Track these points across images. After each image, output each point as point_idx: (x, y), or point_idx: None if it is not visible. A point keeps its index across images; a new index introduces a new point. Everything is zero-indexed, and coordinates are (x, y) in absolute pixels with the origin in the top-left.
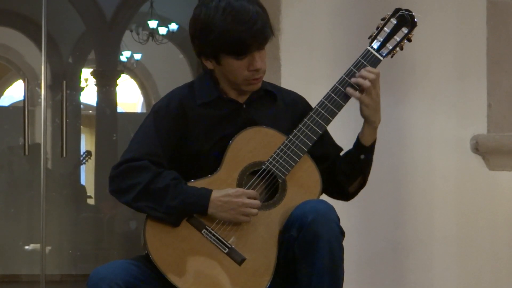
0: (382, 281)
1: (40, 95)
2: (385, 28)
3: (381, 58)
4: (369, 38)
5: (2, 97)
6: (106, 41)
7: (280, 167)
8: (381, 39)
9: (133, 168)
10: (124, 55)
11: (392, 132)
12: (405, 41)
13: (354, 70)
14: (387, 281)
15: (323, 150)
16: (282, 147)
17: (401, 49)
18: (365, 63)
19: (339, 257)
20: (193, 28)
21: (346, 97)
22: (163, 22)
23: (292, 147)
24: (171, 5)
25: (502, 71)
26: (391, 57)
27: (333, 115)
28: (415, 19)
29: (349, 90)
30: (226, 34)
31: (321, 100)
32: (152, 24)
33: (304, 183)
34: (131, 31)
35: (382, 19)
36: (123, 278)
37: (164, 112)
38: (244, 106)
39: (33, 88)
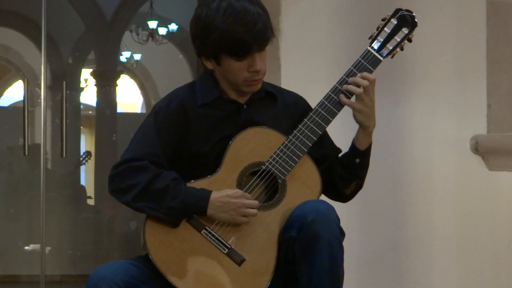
0: (382, 281)
1: (40, 95)
2: (385, 29)
3: (381, 58)
4: (369, 38)
5: (2, 97)
6: (106, 41)
7: (280, 168)
8: (382, 40)
9: (133, 168)
10: (124, 56)
11: (392, 132)
12: (406, 41)
13: (354, 70)
14: (387, 281)
15: (322, 151)
16: (282, 147)
17: (402, 49)
18: (365, 63)
19: (339, 257)
20: (194, 28)
21: (346, 98)
22: (163, 23)
23: (292, 147)
24: (171, 5)
25: (502, 71)
26: (392, 57)
27: (333, 115)
28: (416, 20)
29: (341, 97)
30: (226, 35)
31: (321, 100)
32: (152, 24)
33: (304, 184)
34: (131, 31)
35: (383, 20)
36: (123, 278)
37: (164, 113)
38: (245, 106)
39: (33, 89)
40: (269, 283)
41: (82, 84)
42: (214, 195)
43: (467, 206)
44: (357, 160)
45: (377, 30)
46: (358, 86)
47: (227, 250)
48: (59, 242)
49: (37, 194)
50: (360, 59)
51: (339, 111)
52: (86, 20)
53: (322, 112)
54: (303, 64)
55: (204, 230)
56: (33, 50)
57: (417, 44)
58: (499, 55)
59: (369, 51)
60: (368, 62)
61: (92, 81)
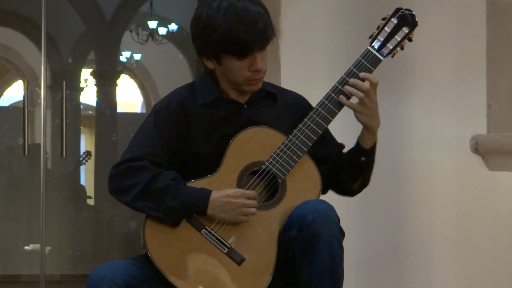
0: (382, 281)
1: (40, 95)
2: (385, 28)
3: (381, 58)
4: (369, 37)
5: (2, 97)
6: (106, 41)
7: (280, 167)
8: (382, 39)
9: (132, 168)
10: (124, 56)
11: (392, 132)
12: (406, 40)
13: (355, 70)
14: (387, 281)
15: (325, 150)
16: (282, 147)
17: (402, 49)
18: (365, 63)
19: (339, 257)
20: (194, 27)
21: (346, 98)
22: (163, 22)
23: (292, 147)
24: (170, 5)
25: (502, 71)
26: (392, 57)
27: (333, 115)
28: (416, 19)
29: (342, 98)
30: (227, 34)
31: (321, 100)
32: (152, 24)
33: (304, 183)
34: (131, 31)
35: (383, 19)
36: (122, 278)
37: (164, 112)
38: (245, 106)
39: (32, 89)
40: (269, 283)
41: (82, 84)
42: (214, 195)
43: (467, 206)
44: (363, 159)
45: (377, 29)
46: (358, 87)
47: (227, 249)
48: (59, 242)
49: (37, 194)
50: (360, 58)
51: (339, 111)
52: (86, 20)
53: (322, 111)
54: (303, 64)
55: (204, 230)
56: (33, 50)
57: (417, 44)
58: (499, 55)
59: (369, 50)
60: (368, 62)
61: (92, 81)
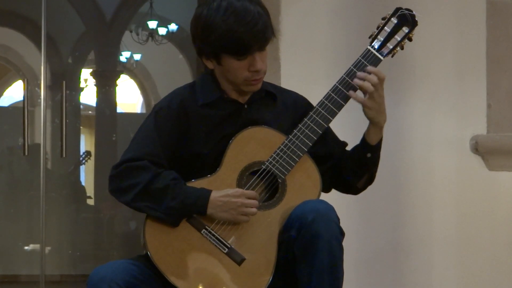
0: (382, 281)
1: (40, 95)
2: (385, 28)
3: (381, 57)
4: (369, 37)
5: (2, 97)
6: (106, 41)
7: (280, 167)
8: (382, 39)
9: (133, 168)
10: (124, 56)
11: (392, 132)
12: (406, 40)
13: (355, 70)
14: (387, 281)
15: (327, 148)
16: (282, 147)
17: (402, 48)
18: (365, 62)
19: (339, 257)
20: (194, 27)
21: (346, 97)
22: (163, 23)
23: (292, 147)
24: (170, 5)
25: (502, 71)
26: (392, 56)
27: (333, 114)
28: (416, 18)
29: (351, 93)
30: (227, 34)
31: (321, 99)
32: (152, 24)
33: (304, 183)
34: (131, 31)
35: (383, 19)
36: (123, 278)
37: (165, 113)
38: (245, 106)
39: (32, 89)
40: (269, 283)
41: (82, 84)
42: (214, 195)
43: (467, 206)
44: (369, 155)
45: (377, 29)
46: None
47: (227, 249)
48: (59, 242)
49: (37, 194)
50: (360, 58)
51: (339, 110)
52: (86, 20)
53: (322, 111)
54: (303, 64)
55: (204, 230)
56: (33, 50)
57: (417, 44)
58: (499, 55)
59: (369, 50)
60: (368, 61)
61: (92, 81)
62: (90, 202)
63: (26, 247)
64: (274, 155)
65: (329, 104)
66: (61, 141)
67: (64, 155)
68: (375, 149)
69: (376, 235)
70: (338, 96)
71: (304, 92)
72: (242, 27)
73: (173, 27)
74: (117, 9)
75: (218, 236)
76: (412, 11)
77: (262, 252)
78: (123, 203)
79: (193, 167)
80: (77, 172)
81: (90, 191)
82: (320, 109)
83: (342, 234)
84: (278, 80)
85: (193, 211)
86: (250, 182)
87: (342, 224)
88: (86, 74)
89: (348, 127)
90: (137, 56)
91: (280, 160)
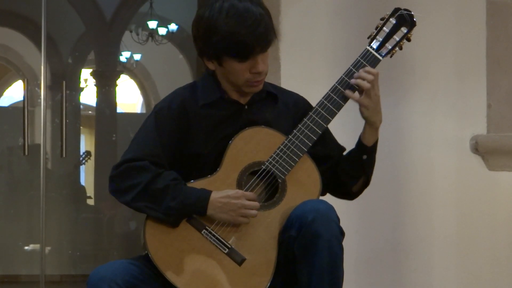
0: (381, 281)
1: (40, 95)
2: (384, 28)
3: (380, 58)
4: (368, 38)
5: (2, 97)
6: (106, 41)
7: (279, 167)
8: (381, 39)
9: (133, 168)
10: (124, 56)
11: (392, 132)
12: (405, 40)
13: (354, 70)
14: (387, 281)
15: (326, 150)
16: (281, 147)
17: (400, 48)
18: (364, 63)
19: (339, 257)
20: (196, 29)
21: (345, 97)
22: (163, 23)
23: (292, 147)
24: (170, 5)
25: (502, 71)
26: (390, 56)
27: (333, 115)
28: (414, 19)
29: (348, 92)
30: (229, 37)
31: (321, 100)
32: (152, 24)
33: (304, 183)
34: (131, 31)
35: (382, 19)
36: (123, 278)
37: (165, 113)
38: (246, 107)
39: (32, 89)
40: (269, 283)
41: (82, 84)
42: (214, 195)
43: (467, 206)
44: (364, 157)
45: (376, 29)
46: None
47: (227, 250)
48: (59, 242)
49: (37, 194)
50: (359, 58)
51: (339, 111)
52: (86, 20)
53: (322, 111)
54: (303, 64)
55: (204, 230)
56: (33, 50)
57: (417, 44)
58: (499, 55)
59: (368, 50)
60: (367, 62)
61: (92, 81)
62: (90, 202)
63: (26, 247)
64: (274, 155)
65: (328, 105)
66: (61, 141)
67: (64, 155)
68: (371, 151)
69: (376, 235)
70: (337, 97)
71: (304, 92)
72: (244, 29)
73: (173, 27)
74: (117, 9)
75: (218, 237)
76: (410, 12)
77: (262, 252)
78: (123, 203)
79: (193, 167)
80: (77, 172)
81: (90, 191)
82: (319, 109)
83: (342, 234)
84: (278, 80)
85: (193, 211)
86: (250, 182)
87: (342, 224)
88: (86, 74)
89: (347, 127)
90: (137, 56)
91: (280, 160)
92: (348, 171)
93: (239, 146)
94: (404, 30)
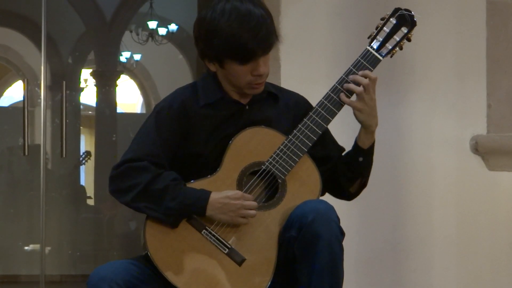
0: (381, 281)
1: (40, 95)
2: (384, 28)
3: (380, 58)
4: (368, 38)
5: (2, 97)
6: (106, 41)
7: (280, 167)
8: (381, 39)
9: (133, 168)
10: (124, 56)
11: (392, 132)
12: (405, 40)
13: (354, 70)
14: (387, 281)
15: (325, 151)
16: (281, 147)
17: (401, 49)
18: (364, 63)
19: (339, 257)
20: (197, 30)
21: (346, 97)
22: (163, 23)
23: (292, 147)
24: (170, 5)
25: (502, 71)
26: (391, 56)
27: (333, 115)
28: (415, 19)
29: (342, 96)
30: (231, 40)
31: (321, 100)
32: (152, 24)
33: (304, 183)
34: (131, 31)
35: (382, 19)
36: (123, 278)
37: (166, 113)
38: (247, 107)
39: (32, 89)
40: (269, 283)
41: (82, 84)
42: (213, 196)
43: (467, 206)
44: (361, 159)
45: (376, 29)
46: (358, 84)
47: (227, 250)
48: (59, 242)
49: (37, 194)
50: (359, 58)
51: (339, 111)
52: (86, 20)
53: (322, 112)
54: (303, 64)
55: (204, 230)
56: (33, 50)
57: (417, 44)
58: (499, 55)
59: (368, 50)
60: (367, 62)
61: (92, 81)
62: (90, 202)
63: (26, 247)
64: (274, 156)
65: (328, 105)
66: (61, 141)
67: (64, 155)
68: (367, 153)
69: (376, 235)
70: (337, 97)
71: (304, 93)
72: (246, 32)
73: (173, 27)
74: (117, 9)
75: (218, 237)
76: (411, 12)
77: (262, 253)
78: (123, 203)
79: (193, 167)
80: (77, 172)
81: (90, 191)
82: (319, 109)
83: (342, 234)
84: (278, 80)
85: (192, 212)
86: (250, 183)
87: (342, 224)
88: (86, 74)
89: (347, 128)
90: (137, 56)
91: (280, 161)
92: (345, 173)
93: (239, 146)
94: (404, 30)
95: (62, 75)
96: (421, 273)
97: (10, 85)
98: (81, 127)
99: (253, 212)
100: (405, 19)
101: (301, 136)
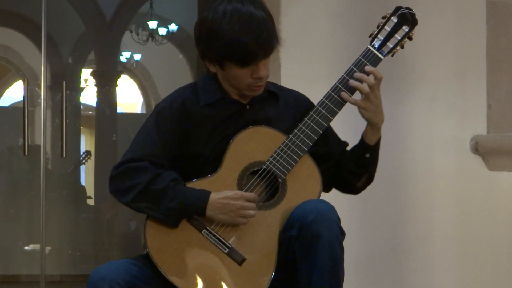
0: (382, 281)
1: (40, 95)
2: (385, 27)
3: (381, 57)
4: (369, 36)
5: (2, 97)
6: (106, 41)
7: (280, 167)
8: (382, 38)
9: (133, 168)
10: (124, 56)
11: (392, 132)
12: (406, 39)
13: (355, 69)
14: (387, 281)
15: (328, 148)
16: (282, 146)
17: (402, 47)
18: (365, 62)
19: (339, 257)
20: (198, 32)
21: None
22: (163, 23)
23: (293, 146)
24: (171, 5)
25: (502, 71)
26: (392, 55)
27: (334, 114)
28: (416, 17)
29: (344, 95)
30: (232, 43)
31: (322, 99)
32: (152, 24)
33: (304, 183)
34: (131, 31)
35: (383, 18)
36: (123, 278)
37: (166, 113)
38: (248, 107)
39: (33, 89)
40: (269, 283)
41: (82, 84)
42: (213, 196)
43: (467, 206)
44: (367, 155)
45: (377, 28)
46: (361, 82)
47: (227, 249)
48: (59, 242)
49: (37, 194)
50: (360, 57)
51: (339, 110)
52: (86, 20)
53: (323, 111)
54: (303, 64)
55: (204, 230)
56: (33, 50)
57: (417, 44)
58: (499, 55)
59: (369, 49)
60: (368, 61)
61: (92, 81)
62: (90, 202)
63: (26, 247)
64: (274, 155)
65: (329, 104)
66: (61, 141)
67: (64, 155)
68: (374, 149)
69: (376, 235)
70: (338, 96)
71: (304, 92)
72: (247, 36)
73: (173, 27)
74: (117, 9)
75: (218, 236)
76: (412, 10)
77: (262, 252)
78: (123, 203)
79: (194, 167)
80: (77, 172)
81: (90, 191)
82: (320, 108)
83: (342, 234)
84: (278, 80)
85: (192, 212)
86: (251, 182)
87: (342, 224)
88: (86, 74)
89: (348, 127)
90: (137, 56)
91: (281, 160)
92: (351, 169)
93: (240, 146)
94: (405, 28)
95: (62, 75)
96: (421, 273)
97: (10, 85)
98: (81, 127)
99: (252, 212)
100: (406, 18)
101: (301, 136)
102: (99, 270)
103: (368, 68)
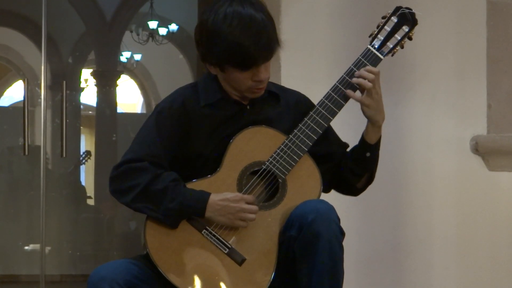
0: (382, 281)
1: (40, 95)
2: (385, 27)
3: (381, 57)
4: (369, 36)
5: (2, 97)
6: (106, 41)
7: (280, 167)
8: (382, 38)
9: (133, 169)
10: (124, 56)
11: (392, 132)
12: (406, 39)
13: (355, 69)
14: (387, 281)
15: (328, 148)
16: (282, 146)
17: (402, 47)
18: (365, 62)
19: (339, 257)
20: (199, 34)
21: (346, 97)
22: (163, 23)
23: (293, 146)
24: (171, 5)
25: (502, 71)
26: (392, 55)
27: (334, 114)
28: (416, 17)
29: (349, 92)
30: (232, 47)
31: (322, 99)
32: (152, 24)
33: (304, 183)
34: (131, 31)
35: (383, 17)
36: (123, 278)
37: (166, 113)
38: (248, 107)
39: (33, 89)
40: (269, 283)
41: (82, 84)
42: (213, 198)
43: (467, 206)
44: (368, 154)
45: (377, 28)
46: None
47: (227, 250)
48: (59, 242)
49: (37, 194)
50: (360, 57)
51: (339, 110)
52: (86, 20)
53: (323, 111)
54: (303, 64)
55: (204, 230)
56: (33, 50)
57: (417, 44)
58: (499, 55)
59: (369, 49)
60: (368, 61)
61: (92, 81)
62: (90, 202)
63: (26, 247)
64: (274, 155)
65: (329, 104)
66: (61, 141)
67: (64, 155)
68: (374, 148)
69: (376, 235)
70: (338, 96)
71: (304, 92)
72: (248, 40)
73: (173, 27)
74: (117, 9)
75: (218, 237)
76: (412, 10)
77: (262, 252)
78: (123, 204)
79: (194, 167)
80: (77, 172)
81: (90, 191)
82: (320, 108)
83: (342, 234)
84: (279, 80)
85: (192, 213)
86: (251, 182)
87: (342, 224)
88: (86, 74)
89: (348, 127)
90: (137, 56)
91: (281, 160)
92: (352, 169)
93: (240, 146)
94: (405, 28)
95: (62, 75)
96: (421, 273)
97: (10, 85)
98: (81, 127)
99: (252, 216)
100: (406, 18)
101: (301, 136)
102: (99, 270)
103: (366, 68)
